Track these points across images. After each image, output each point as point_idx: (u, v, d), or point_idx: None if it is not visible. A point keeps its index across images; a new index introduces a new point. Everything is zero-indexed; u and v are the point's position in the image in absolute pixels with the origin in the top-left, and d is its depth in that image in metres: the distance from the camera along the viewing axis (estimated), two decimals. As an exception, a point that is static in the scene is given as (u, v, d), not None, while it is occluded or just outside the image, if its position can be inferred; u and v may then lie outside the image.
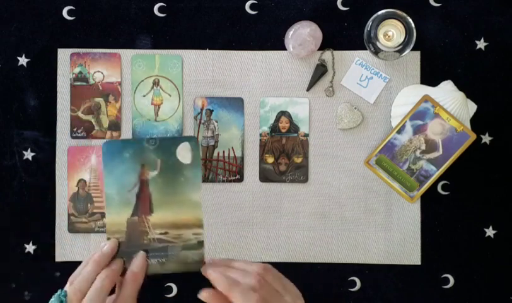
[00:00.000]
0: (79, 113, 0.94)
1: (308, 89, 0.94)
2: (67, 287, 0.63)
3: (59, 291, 0.63)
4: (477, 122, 0.92)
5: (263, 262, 0.66)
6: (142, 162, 0.65)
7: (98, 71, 0.94)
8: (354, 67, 0.94)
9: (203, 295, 0.64)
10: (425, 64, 0.94)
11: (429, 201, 0.94)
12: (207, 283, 0.94)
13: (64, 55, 0.94)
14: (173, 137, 0.71)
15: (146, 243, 0.64)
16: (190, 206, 0.65)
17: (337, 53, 0.94)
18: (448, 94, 0.90)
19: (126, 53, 0.95)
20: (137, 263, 0.64)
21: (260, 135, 0.94)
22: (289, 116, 0.94)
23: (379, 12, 0.90)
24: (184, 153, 0.65)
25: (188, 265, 0.64)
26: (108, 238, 0.64)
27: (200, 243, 0.65)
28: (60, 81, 0.95)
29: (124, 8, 0.95)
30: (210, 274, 0.62)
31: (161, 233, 0.65)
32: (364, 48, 0.93)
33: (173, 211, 0.65)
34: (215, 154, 0.94)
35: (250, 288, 0.60)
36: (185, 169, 0.65)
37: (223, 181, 0.94)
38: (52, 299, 0.63)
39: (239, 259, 0.66)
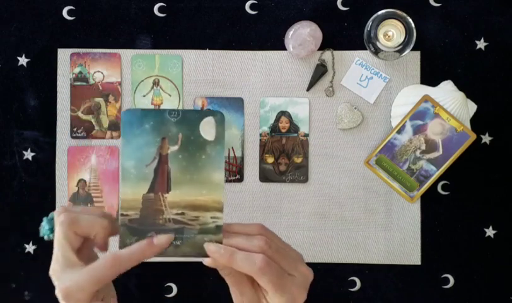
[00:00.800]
0: (79, 113, 0.95)
1: (308, 89, 0.94)
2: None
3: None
4: (477, 122, 0.92)
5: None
6: (163, 135, 0.60)
7: (98, 71, 0.94)
8: (354, 67, 0.94)
9: (207, 261, 0.60)
10: (425, 64, 0.94)
11: (429, 201, 0.94)
12: (207, 282, 0.94)
13: (64, 55, 0.94)
14: (197, 110, 0.64)
15: (161, 223, 0.60)
16: (210, 186, 0.60)
17: (337, 53, 0.94)
18: (447, 94, 0.90)
19: (126, 53, 0.95)
20: (135, 250, 0.59)
21: (260, 135, 0.95)
22: (289, 116, 0.94)
23: (379, 12, 0.90)
24: (208, 128, 0.60)
25: (204, 250, 0.59)
26: (122, 214, 0.60)
27: (219, 228, 0.60)
28: (60, 81, 0.95)
29: (124, 8, 0.95)
30: (208, 248, 0.59)
31: (177, 214, 0.60)
32: (364, 48, 0.93)
33: (191, 190, 0.60)
34: (215, 154, 0.94)
35: (259, 250, 0.58)
36: (208, 146, 0.60)
37: (223, 181, 0.94)
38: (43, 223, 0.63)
39: (237, 222, 0.62)
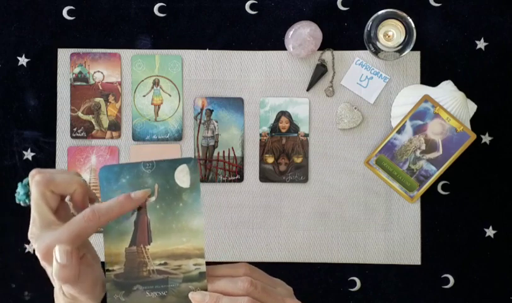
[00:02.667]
0: (79, 113, 0.95)
1: (308, 89, 0.94)
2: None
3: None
4: (477, 122, 0.92)
5: (248, 262, 0.63)
6: (139, 188, 0.61)
7: (98, 71, 0.94)
8: (354, 67, 0.94)
9: None
10: (425, 64, 0.94)
11: (429, 201, 0.94)
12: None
13: (64, 55, 0.95)
14: (170, 159, 0.64)
15: (146, 275, 0.61)
16: (190, 233, 0.61)
17: (337, 53, 0.94)
18: (447, 94, 0.90)
19: (126, 53, 0.95)
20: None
21: (260, 135, 0.95)
22: (289, 116, 0.94)
23: (379, 12, 0.90)
24: (182, 176, 0.61)
25: (189, 299, 0.60)
26: (107, 270, 0.61)
27: (202, 275, 0.61)
28: (60, 81, 0.95)
29: (124, 8, 0.95)
30: (193, 298, 0.60)
31: (160, 264, 0.61)
32: (364, 48, 0.93)
33: (172, 239, 0.61)
34: (215, 154, 0.94)
35: (244, 293, 0.59)
36: (184, 193, 0.61)
37: (223, 181, 0.94)
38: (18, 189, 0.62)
39: (222, 265, 0.62)
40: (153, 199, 0.61)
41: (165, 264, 0.61)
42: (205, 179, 0.94)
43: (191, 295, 0.60)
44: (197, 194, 0.61)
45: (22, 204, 0.63)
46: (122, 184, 0.61)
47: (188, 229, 0.61)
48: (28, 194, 0.61)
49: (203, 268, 0.61)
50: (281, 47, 0.94)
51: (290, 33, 0.92)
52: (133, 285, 0.61)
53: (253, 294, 0.59)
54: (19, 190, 0.63)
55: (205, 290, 0.60)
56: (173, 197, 0.61)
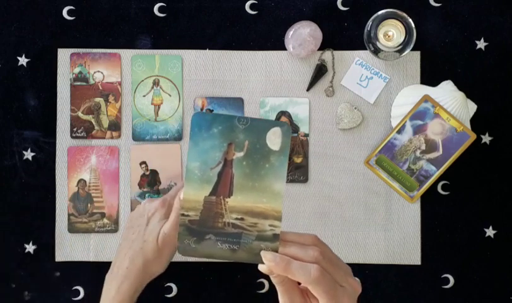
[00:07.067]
0: (79, 113, 0.95)
1: (308, 89, 0.94)
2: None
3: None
4: (477, 122, 0.92)
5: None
6: (230, 141, 0.62)
7: (98, 71, 0.94)
8: (354, 67, 0.94)
9: (262, 267, 0.61)
10: (425, 64, 0.94)
11: (429, 201, 0.94)
12: (207, 282, 0.94)
13: (64, 55, 0.95)
14: (265, 120, 0.65)
15: (220, 227, 0.62)
16: (271, 195, 0.62)
17: (337, 53, 0.94)
18: (447, 94, 0.90)
19: (126, 53, 0.95)
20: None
21: (260, 135, 0.94)
22: (289, 116, 0.94)
23: (379, 12, 0.90)
24: (274, 138, 0.62)
25: (259, 257, 0.61)
26: (182, 215, 0.62)
27: (276, 237, 0.62)
28: (60, 81, 0.95)
29: (124, 8, 0.95)
30: (265, 256, 0.61)
31: (236, 219, 0.62)
32: (364, 48, 0.93)
33: (252, 197, 0.62)
34: (215, 154, 0.94)
35: (314, 261, 0.60)
36: (272, 155, 0.62)
37: (223, 181, 0.94)
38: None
39: (291, 231, 0.63)
40: (241, 154, 0.62)
41: (241, 219, 0.62)
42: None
43: (263, 254, 0.61)
44: (284, 159, 0.62)
45: None
46: (213, 133, 0.62)
47: (270, 190, 0.62)
48: None
49: (278, 231, 0.62)
50: (281, 47, 0.94)
51: (290, 33, 0.92)
52: (206, 233, 0.62)
53: (322, 263, 0.60)
54: None
55: (276, 251, 0.61)
56: (261, 157, 0.62)
